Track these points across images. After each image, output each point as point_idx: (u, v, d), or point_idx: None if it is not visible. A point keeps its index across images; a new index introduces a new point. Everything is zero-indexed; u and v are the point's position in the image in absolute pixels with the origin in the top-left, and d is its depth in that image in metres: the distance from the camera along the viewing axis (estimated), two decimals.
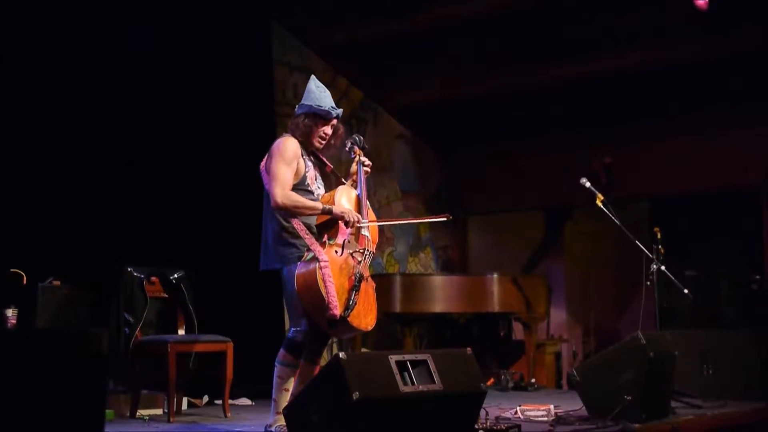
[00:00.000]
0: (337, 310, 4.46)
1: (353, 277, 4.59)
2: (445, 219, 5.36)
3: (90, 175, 6.70)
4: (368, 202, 4.91)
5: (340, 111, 4.84)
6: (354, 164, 4.97)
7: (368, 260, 4.75)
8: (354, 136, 5.07)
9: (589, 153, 9.35)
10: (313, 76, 4.95)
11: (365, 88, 9.44)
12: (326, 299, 4.45)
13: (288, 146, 4.69)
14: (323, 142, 4.83)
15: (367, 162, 4.96)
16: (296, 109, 4.83)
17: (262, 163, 4.80)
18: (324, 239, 4.66)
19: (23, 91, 6.36)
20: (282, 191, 4.59)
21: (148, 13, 7.13)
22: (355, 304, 4.54)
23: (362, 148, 5.02)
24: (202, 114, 7.48)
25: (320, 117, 4.77)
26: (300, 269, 4.56)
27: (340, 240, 4.67)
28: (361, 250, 4.71)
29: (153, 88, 7.14)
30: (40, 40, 6.46)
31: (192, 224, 7.24)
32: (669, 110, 8.89)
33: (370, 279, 4.76)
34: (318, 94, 4.80)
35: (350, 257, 4.66)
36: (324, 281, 4.46)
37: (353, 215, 4.69)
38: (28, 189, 6.32)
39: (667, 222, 7.79)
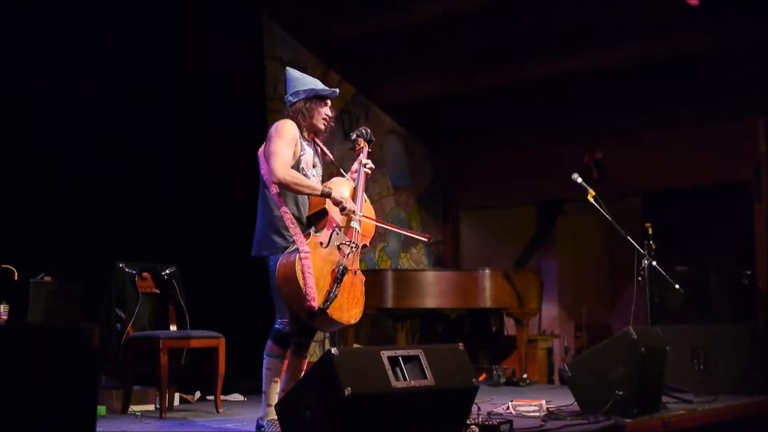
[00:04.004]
0: (315, 302, 4.45)
1: (336, 270, 4.59)
2: (425, 240, 5.36)
3: (82, 171, 6.69)
4: (365, 196, 4.91)
5: (337, 90, 4.91)
6: (356, 163, 4.97)
7: (356, 253, 4.74)
8: (362, 128, 5.09)
9: (580, 148, 9.37)
10: (288, 67, 4.98)
11: (357, 84, 9.44)
12: (304, 290, 4.44)
13: (286, 127, 4.72)
14: (327, 123, 4.86)
15: (370, 165, 4.97)
16: (290, 98, 4.81)
17: (260, 149, 4.81)
18: (311, 230, 4.66)
19: (15, 87, 6.35)
20: (283, 167, 4.60)
21: (138, 8, 7.11)
22: (336, 296, 4.53)
23: (368, 141, 5.02)
24: (193, 109, 7.47)
25: (320, 98, 4.80)
26: (281, 261, 4.57)
27: (327, 232, 4.66)
28: (348, 243, 4.69)
29: (144, 84, 7.13)
30: (28, 38, 6.44)
31: (183, 220, 7.24)
32: (660, 105, 8.91)
33: (359, 272, 4.75)
34: (308, 79, 4.86)
35: (336, 249, 4.65)
36: (303, 272, 4.46)
37: (351, 204, 4.70)
38: (19, 185, 6.30)
39: (659, 217, 7.80)
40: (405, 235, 9.98)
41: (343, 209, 4.67)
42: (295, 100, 4.79)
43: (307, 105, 4.78)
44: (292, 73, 4.91)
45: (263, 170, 4.74)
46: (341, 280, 4.57)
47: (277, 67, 8.56)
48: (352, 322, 4.71)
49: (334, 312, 4.53)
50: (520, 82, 8.95)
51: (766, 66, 7.98)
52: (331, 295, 4.52)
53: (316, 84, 4.83)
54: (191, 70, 7.50)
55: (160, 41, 7.30)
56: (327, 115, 4.84)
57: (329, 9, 8.38)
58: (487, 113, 9.69)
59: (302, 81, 4.84)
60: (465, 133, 10.17)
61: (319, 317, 4.52)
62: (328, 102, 4.86)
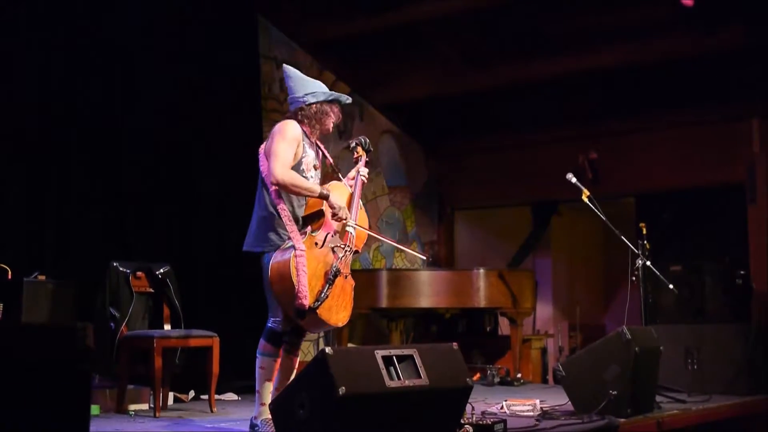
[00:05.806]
0: (306, 300, 4.48)
1: (329, 271, 4.61)
2: (423, 258, 5.38)
3: (77, 170, 6.68)
4: (361, 203, 4.96)
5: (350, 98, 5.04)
6: (354, 170, 5.03)
7: (349, 257, 4.77)
8: (360, 137, 5.16)
9: (575, 148, 9.37)
10: (287, 66, 5.01)
11: (352, 83, 9.43)
12: (296, 287, 4.46)
13: (289, 128, 4.75)
14: (336, 122, 4.94)
15: (366, 174, 5.02)
16: (308, 98, 4.81)
17: (262, 147, 4.85)
18: (307, 229, 4.68)
19: (9, 85, 6.34)
20: (282, 168, 4.63)
21: (134, 7, 7.11)
22: (327, 297, 4.55)
23: (366, 151, 5.10)
24: (189, 109, 7.47)
25: (333, 102, 4.87)
26: (275, 258, 4.60)
27: (323, 233, 4.69)
28: (342, 246, 4.73)
29: (139, 84, 7.13)
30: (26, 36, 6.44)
31: (178, 219, 7.24)
32: (654, 106, 8.91)
33: (349, 277, 4.77)
34: (317, 81, 4.91)
35: (331, 252, 4.68)
36: (297, 269, 4.48)
37: (345, 212, 4.74)
38: (13, 183, 6.30)
39: (653, 217, 7.81)
40: (401, 233, 10.01)
41: (334, 215, 4.70)
42: (314, 101, 4.81)
43: (323, 108, 4.82)
44: (295, 72, 4.93)
45: (263, 167, 4.78)
46: (333, 281, 4.60)
47: (273, 66, 8.56)
48: (339, 324, 4.74)
49: (323, 312, 4.55)
50: (516, 83, 8.95)
51: (760, 67, 7.99)
52: (322, 295, 4.54)
53: (325, 88, 4.88)
54: (187, 69, 7.49)
55: (155, 40, 7.29)
56: (336, 115, 4.91)
57: (324, 9, 8.37)
58: (482, 113, 9.69)
59: (312, 83, 4.88)
60: (460, 133, 10.17)
61: (308, 316, 4.54)
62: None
